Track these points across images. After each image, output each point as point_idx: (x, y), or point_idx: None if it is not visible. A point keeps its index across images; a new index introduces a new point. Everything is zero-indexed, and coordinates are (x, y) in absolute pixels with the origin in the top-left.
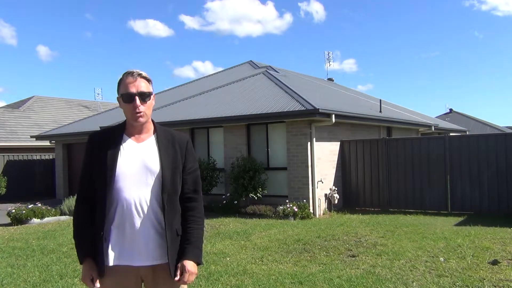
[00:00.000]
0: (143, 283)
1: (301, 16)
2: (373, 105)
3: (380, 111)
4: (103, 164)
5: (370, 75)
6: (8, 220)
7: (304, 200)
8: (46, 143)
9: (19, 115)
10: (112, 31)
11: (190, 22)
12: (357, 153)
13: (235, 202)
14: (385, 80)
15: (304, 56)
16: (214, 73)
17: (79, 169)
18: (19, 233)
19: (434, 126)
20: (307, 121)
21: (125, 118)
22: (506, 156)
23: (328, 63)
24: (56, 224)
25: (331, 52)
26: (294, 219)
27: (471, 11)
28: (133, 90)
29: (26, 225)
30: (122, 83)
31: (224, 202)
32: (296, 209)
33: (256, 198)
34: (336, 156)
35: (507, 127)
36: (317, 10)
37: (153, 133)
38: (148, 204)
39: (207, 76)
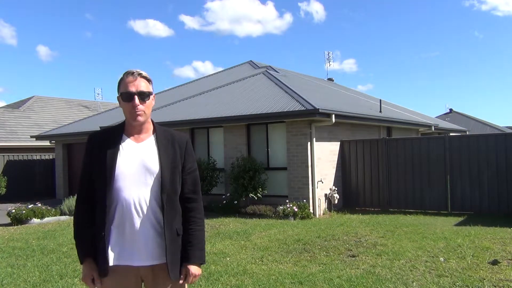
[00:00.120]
0: (143, 283)
1: (301, 16)
2: (373, 105)
3: (380, 111)
4: (102, 164)
5: (370, 75)
6: (8, 220)
7: (304, 200)
8: (46, 143)
9: (19, 115)
10: (112, 31)
11: (190, 22)
12: (357, 153)
13: (235, 202)
14: (385, 80)
15: (304, 56)
16: (214, 73)
17: (79, 169)
18: (19, 233)
19: (434, 126)
20: (307, 121)
21: (125, 118)
22: (506, 156)
23: (328, 63)
24: (56, 224)
25: (331, 52)
26: (294, 219)
27: (471, 11)
28: (132, 89)
29: (26, 225)
30: (122, 82)
31: (224, 202)
32: (296, 209)
33: (256, 198)
34: (336, 156)
35: (507, 127)
36: (317, 10)
37: (153, 133)
38: (148, 204)
39: (207, 76)
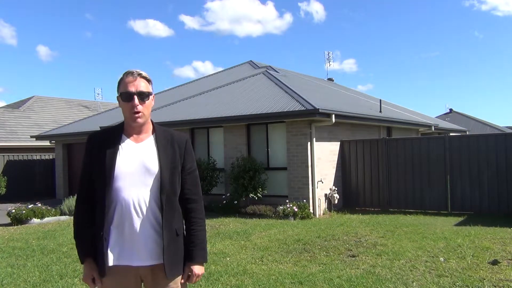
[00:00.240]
0: (142, 283)
1: (301, 16)
2: (373, 105)
3: (380, 111)
4: (102, 164)
5: (370, 75)
6: (8, 220)
7: (304, 200)
8: (46, 143)
9: (19, 115)
10: (112, 31)
11: (190, 22)
12: (357, 153)
13: (235, 202)
14: (385, 80)
15: (304, 56)
16: (214, 73)
17: (79, 169)
18: (19, 233)
19: (434, 126)
20: (307, 121)
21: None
22: (506, 156)
23: (328, 63)
24: (56, 224)
25: (331, 52)
26: (294, 219)
27: (471, 11)
28: (132, 89)
29: (26, 225)
30: (122, 82)
31: (224, 202)
32: (296, 209)
33: (256, 198)
34: (336, 156)
35: (507, 127)
36: (317, 10)
37: (152, 133)
38: (147, 204)
39: (207, 76)
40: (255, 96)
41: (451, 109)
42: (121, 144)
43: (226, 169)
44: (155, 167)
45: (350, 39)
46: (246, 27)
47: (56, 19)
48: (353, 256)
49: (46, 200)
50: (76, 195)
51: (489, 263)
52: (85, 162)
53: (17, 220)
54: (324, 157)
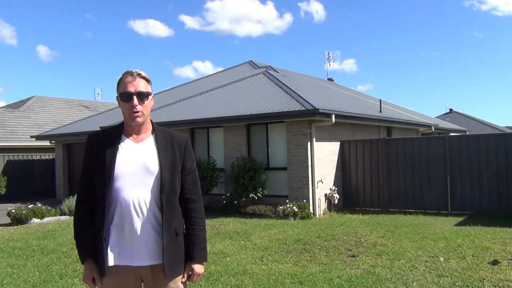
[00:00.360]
0: (142, 283)
1: (301, 16)
2: (373, 105)
3: (380, 111)
4: (102, 164)
5: (370, 75)
6: (8, 220)
7: (304, 200)
8: (46, 143)
9: (19, 115)
10: (112, 31)
11: (190, 22)
12: (357, 153)
13: (235, 202)
14: (385, 80)
15: (304, 56)
16: (214, 73)
17: (79, 169)
18: (19, 233)
19: (434, 126)
20: (307, 121)
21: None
22: (506, 156)
23: (328, 63)
24: (56, 224)
25: (331, 52)
26: (294, 219)
27: (471, 11)
28: (131, 89)
29: (26, 225)
30: (121, 82)
31: (224, 202)
32: (296, 209)
33: (256, 198)
34: (336, 156)
35: (507, 127)
36: (317, 10)
37: (152, 133)
38: (147, 204)
39: (207, 76)
40: (255, 96)
41: (451, 109)
42: (121, 144)
43: (226, 169)
44: (155, 167)
45: (350, 39)
46: (246, 27)
47: (56, 19)
48: (353, 256)
49: (46, 200)
50: (76, 195)
51: (489, 263)
52: (85, 162)
53: (17, 220)
54: (324, 157)
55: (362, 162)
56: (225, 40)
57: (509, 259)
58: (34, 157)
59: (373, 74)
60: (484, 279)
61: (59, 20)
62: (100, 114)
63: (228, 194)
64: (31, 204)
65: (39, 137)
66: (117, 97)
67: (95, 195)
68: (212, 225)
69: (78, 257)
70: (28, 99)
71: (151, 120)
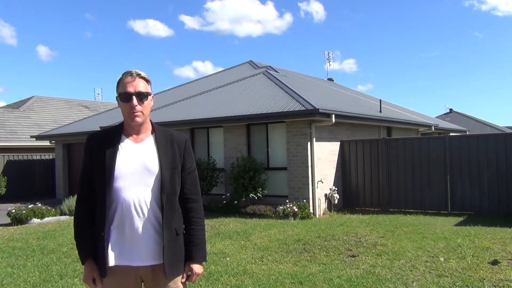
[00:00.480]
0: (143, 283)
1: (301, 16)
2: (373, 105)
3: (380, 111)
4: (102, 164)
5: (370, 75)
6: (8, 220)
7: (304, 200)
8: (46, 143)
9: (19, 115)
10: (112, 31)
11: (190, 22)
12: (357, 153)
13: (235, 202)
14: (385, 80)
15: (304, 56)
16: (214, 73)
17: (79, 169)
18: (19, 233)
19: (434, 126)
20: (307, 121)
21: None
22: (506, 156)
23: (328, 63)
24: (56, 224)
25: (331, 52)
26: (294, 219)
27: (471, 11)
28: (131, 89)
29: (26, 225)
30: (120, 83)
31: (224, 202)
32: (296, 209)
33: (256, 198)
34: (336, 156)
35: (507, 127)
36: (317, 10)
37: (152, 133)
38: (147, 204)
39: (207, 76)
40: (255, 96)
41: (451, 109)
42: (121, 144)
43: (226, 169)
44: (155, 167)
45: (350, 39)
46: (246, 27)
47: (56, 19)
48: (353, 256)
49: (46, 200)
50: (76, 195)
51: (489, 263)
52: (85, 163)
53: (17, 220)
54: (324, 157)
55: (362, 162)
56: (225, 40)
57: (509, 259)
58: (34, 157)
59: (373, 74)
60: (484, 279)
61: (59, 20)
62: (100, 114)
63: (228, 194)
64: (31, 204)
65: (39, 137)
66: (116, 97)
67: (95, 195)
68: (212, 225)
69: (78, 257)
70: (28, 99)
71: (150, 120)
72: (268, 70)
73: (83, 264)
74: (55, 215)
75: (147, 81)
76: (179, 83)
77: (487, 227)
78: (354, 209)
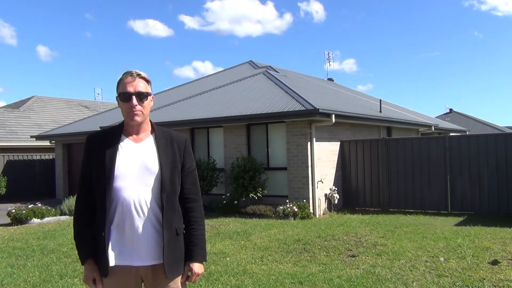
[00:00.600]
0: (143, 283)
1: (301, 16)
2: (373, 105)
3: (380, 111)
4: (101, 164)
5: (370, 75)
6: (8, 220)
7: (304, 200)
8: (46, 143)
9: (19, 115)
10: (112, 31)
11: (190, 22)
12: (357, 153)
13: (235, 202)
14: (385, 80)
15: (304, 56)
16: (214, 73)
17: (79, 169)
18: (19, 233)
19: (434, 126)
20: (307, 121)
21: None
22: (506, 156)
23: (328, 63)
24: (56, 224)
25: (331, 52)
26: (294, 219)
27: (471, 11)
28: (130, 89)
29: (26, 225)
30: (121, 83)
31: (224, 202)
32: (296, 209)
33: (256, 198)
34: (336, 156)
35: (507, 127)
36: (317, 10)
37: (151, 133)
38: (147, 204)
39: (207, 76)
40: (255, 96)
41: (451, 109)
42: (121, 144)
43: (226, 169)
44: (155, 166)
45: (350, 39)
46: (246, 27)
47: (56, 19)
48: (353, 256)
49: (46, 200)
50: (76, 195)
51: (489, 263)
52: (84, 163)
53: (17, 220)
54: (324, 157)
55: (362, 162)
56: (225, 40)
57: (509, 259)
58: (34, 157)
59: (373, 74)
60: (484, 279)
61: (59, 20)
62: (100, 114)
63: (228, 194)
64: (31, 204)
65: (39, 137)
66: (116, 97)
67: (95, 195)
68: (212, 225)
69: (78, 257)
70: (28, 99)
71: (150, 120)
72: (268, 70)
73: (83, 264)
74: (55, 215)
75: (147, 81)
76: (179, 83)
77: (487, 227)
78: (354, 209)
